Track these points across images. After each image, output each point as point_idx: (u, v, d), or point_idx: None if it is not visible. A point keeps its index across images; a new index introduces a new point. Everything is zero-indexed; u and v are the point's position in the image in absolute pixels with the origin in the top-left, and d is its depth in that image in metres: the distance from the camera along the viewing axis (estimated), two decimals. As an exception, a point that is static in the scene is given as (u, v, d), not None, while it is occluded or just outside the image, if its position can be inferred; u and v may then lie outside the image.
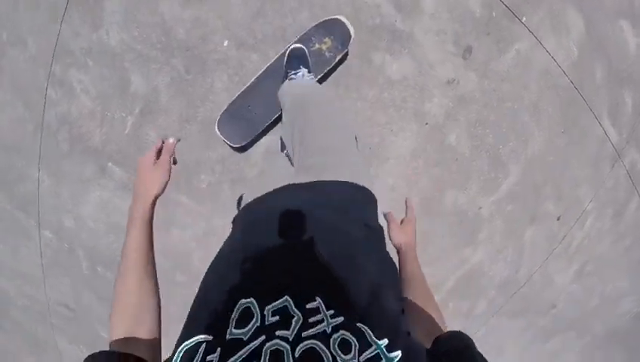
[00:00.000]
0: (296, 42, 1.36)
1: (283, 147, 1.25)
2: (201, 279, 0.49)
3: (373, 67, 1.49)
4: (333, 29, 1.37)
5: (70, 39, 1.39)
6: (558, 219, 2.10)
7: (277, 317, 0.36)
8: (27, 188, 1.65)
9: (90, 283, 1.86)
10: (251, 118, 1.44)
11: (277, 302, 0.37)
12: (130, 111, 1.48)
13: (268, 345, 0.32)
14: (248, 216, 0.69)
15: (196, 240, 1.77)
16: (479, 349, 0.38)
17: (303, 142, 0.81)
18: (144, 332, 0.50)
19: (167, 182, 0.60)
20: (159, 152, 0.62)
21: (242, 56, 1.40)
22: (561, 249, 2.21)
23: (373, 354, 0.31)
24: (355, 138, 0.89)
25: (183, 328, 0.40)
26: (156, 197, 0.59)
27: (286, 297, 0.37)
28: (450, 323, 0.54)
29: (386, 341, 0.32)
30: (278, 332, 0.34)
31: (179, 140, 0.64)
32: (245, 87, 1.40)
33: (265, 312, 0.36)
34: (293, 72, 1.27)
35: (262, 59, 1.42)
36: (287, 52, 1.33)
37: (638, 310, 2.95)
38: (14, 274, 1.99)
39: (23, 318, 2.20)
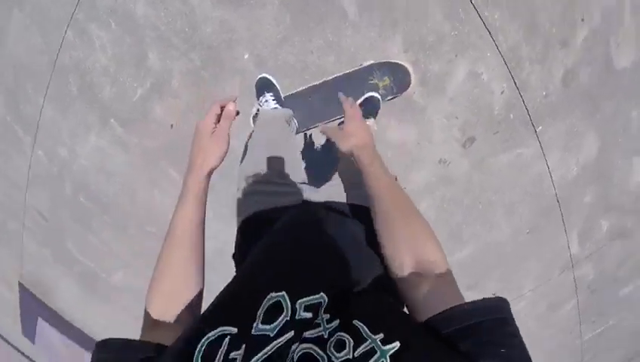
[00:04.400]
0: (360, 69, 1.36)
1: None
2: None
3: (379, 126, 1.52)
4: (395, 71, 1.38)
5: (97, -7, 1.37)
6: (494, 295, 2.30)
7: (310, 314, 0.34)
8: (30, 111, 1.73)
9: (69, 205, 2.02)
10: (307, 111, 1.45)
11: (311, 297, 0.35)
12: (141, 83, 1.51)
13: (296, 347, 0.32)
14: (286, 221, 0.66)
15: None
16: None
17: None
18: (181, 315, 0.45)
19: (225, 153, 0.55)
20: (218, 117, 0.56)
21: (259, 74, 1.41)
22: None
23: (367, 348, 0.31)
24: None
25: (208, 312, 0.37)
26: (212, 170, 0.54)
27: (322, 294, 0.36)
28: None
29: (381, 335, 0.31)
30: (307, 333, 0.33)
31: (236, 99, 0.58)
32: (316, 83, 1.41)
33: (297, 306, 0.34)
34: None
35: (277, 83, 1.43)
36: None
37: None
38: (-1, 174, 2.11)
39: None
